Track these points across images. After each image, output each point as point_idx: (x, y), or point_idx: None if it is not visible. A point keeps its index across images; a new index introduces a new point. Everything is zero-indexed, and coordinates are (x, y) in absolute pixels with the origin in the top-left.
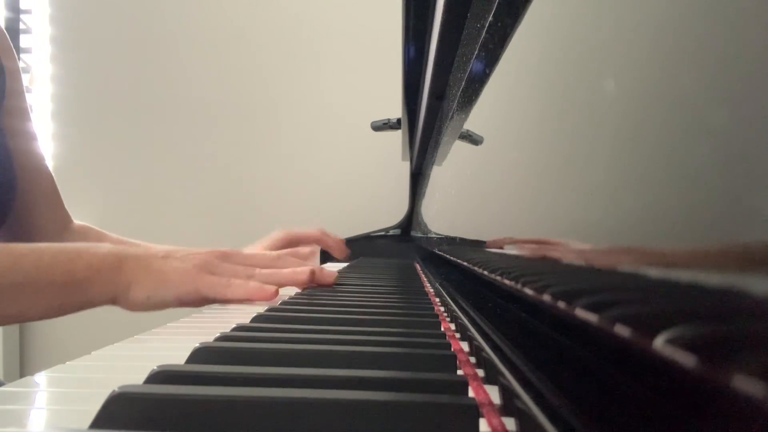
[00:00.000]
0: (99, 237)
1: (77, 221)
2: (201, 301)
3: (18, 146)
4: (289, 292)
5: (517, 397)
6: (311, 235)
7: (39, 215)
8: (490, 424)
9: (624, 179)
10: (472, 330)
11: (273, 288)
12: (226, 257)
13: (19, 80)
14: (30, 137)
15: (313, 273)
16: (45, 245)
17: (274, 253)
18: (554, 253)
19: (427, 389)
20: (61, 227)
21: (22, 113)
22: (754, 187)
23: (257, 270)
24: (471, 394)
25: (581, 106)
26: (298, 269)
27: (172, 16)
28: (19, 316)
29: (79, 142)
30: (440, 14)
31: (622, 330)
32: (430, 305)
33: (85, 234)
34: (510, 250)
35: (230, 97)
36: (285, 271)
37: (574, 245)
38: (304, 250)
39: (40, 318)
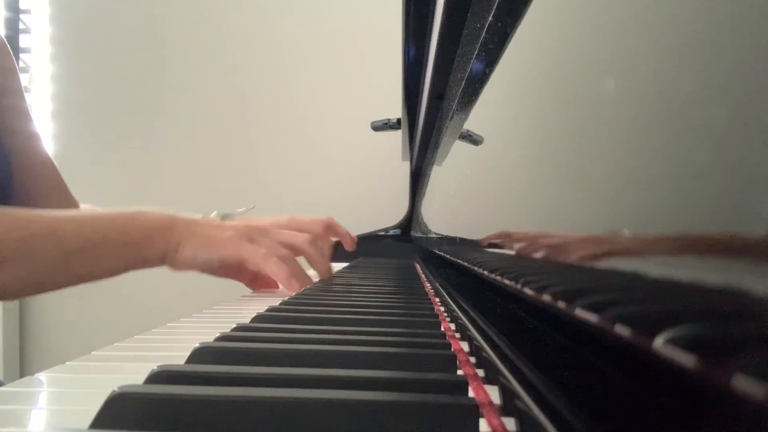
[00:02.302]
0: None
1: (85, 204)
2: (240, 266)
3: (16, 145)
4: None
5: (517, 397)
6: (321, 221)
7: (42, 205)
8: (490, 424)
9: (624, 179)
10: (472, 330)
11: (297, 286)
12: (265, 232)
13: (16, 79)
14: (30, 137)
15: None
16: (103, 211)
17: (305, 235)
18: (554, 253)
19: (427, 389)
20: None
21: (20, 112)
22: (754, 187)
23: (291, 256)
24: (471, 394)
25: (581, 106)
26: (294, 283)
27: (172, 16)
28: (86, 277)
29: (79, 142)
30: (440, 14)
31: (622, 330)
32: (430, 305)
33: None
34: (510, 250)
35: (230, 98)
36: (310, 273)
37: (574, 245)
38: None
39: (104, 277)
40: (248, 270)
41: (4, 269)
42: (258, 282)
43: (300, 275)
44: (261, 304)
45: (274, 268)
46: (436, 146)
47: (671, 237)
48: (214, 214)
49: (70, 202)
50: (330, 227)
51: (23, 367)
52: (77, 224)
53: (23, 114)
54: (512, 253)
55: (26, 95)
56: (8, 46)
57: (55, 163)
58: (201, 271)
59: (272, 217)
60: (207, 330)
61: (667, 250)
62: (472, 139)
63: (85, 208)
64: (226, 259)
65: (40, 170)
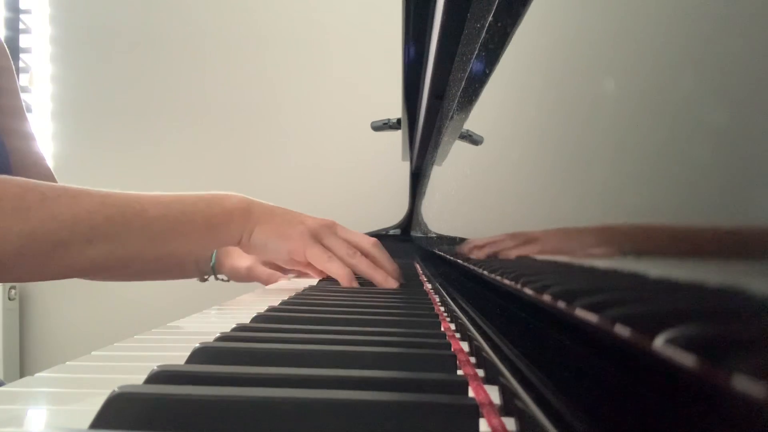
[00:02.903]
0: None
1: None
2: (303, 262)
3: (13, 145)
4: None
5: (517, 397)
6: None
7: None
8: (490, 424)
9: (624, 179)
10: (472, 330)
11: (357, 284)
12: (333, 227)
13: (13, 79)
14: (26, 136)
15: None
16: (184, 195)
17: (371, 239)
18: (554, 253)
19: (427, 389)
20: None
21: (17, 112)
22: (754, 187)
23: (357, 254)
24: (471, 394)
25: (581, 106)
26: (391, 280)
27: (171, 16)
28: (171, 256)
29: (79, 142)
30: (440, 14)
31: (622, 330)
32: (430, 305)
33: None
34: (510, 250)
35: (230, 98)
36: (380, 274)
37: (574, 245)
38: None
39: (186, 257)
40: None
41: (94, 246)
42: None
43: (369, 274)
44: (261, 304)
45: (336, 270)
46: (436, 146)
47: (671, 237)
48: None
49: None
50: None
51: (23, 367)
52: (163, 205)
53: (20, 114)
54: (512, 253)
55: (26, 95)
56: (5, 46)
57: (56, 162)
58: (271, 260)
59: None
60: (207, 330)
61: (667, 249)
62: (472, 139)
63: None
64: (293, 253)
65: (33, 171)
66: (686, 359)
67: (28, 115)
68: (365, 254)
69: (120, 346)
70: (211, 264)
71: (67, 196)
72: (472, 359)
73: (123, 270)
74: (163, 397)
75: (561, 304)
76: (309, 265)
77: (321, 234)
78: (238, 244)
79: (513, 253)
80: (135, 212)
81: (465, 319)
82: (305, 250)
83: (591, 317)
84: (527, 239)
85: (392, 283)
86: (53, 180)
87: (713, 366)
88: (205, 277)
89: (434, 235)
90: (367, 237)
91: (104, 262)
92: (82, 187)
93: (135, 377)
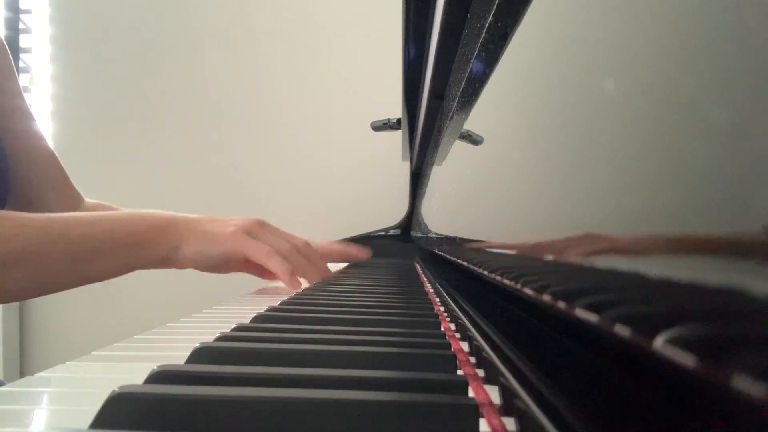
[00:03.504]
0: (111, 210)
1: (89, 199)
2: (242, 261)
3: (16, 142)
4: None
5: (517, 397)
6: (335, 249)
7: (48, 201)
8: (490, 424)
9: (624, 179)
10: (472, 330)
11: (299, 284)
12: (264, 225)
13: (14, 79)
14: (30, 133)
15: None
16: (111, 213)
17: (302, 239)
18: (554, 253)
19: (427, 389)
20: (73, 207)
21: (18, 110)
22: (754, 186)
23: (294, 251)
24: (471, 394)
25: (581, 106)
26: (323, 273)
27: (172, 16)
28: (94, 278)
29: (79, 142)
30: (440, 14)
31: (622, 330)
32: (430, 305)
33: (97, 210)
34: (510, 250)
35: (230, 97)
36: (314, 272)
37: (575, 245)
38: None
39: (109, 277)
40: (254, 263)
41: (12, 271)
42: (267, 272)
43: (305, 269)
44: (261, 304)
45: (276, 265)
46: (436, 146)
47: (671, 236)
48: None
49: (74, 196)
50: (343, 252)
51: (23, 367)
52: (83, 226)
53: (22, 113)
54: (512, 253)
55: (26, 95)
56: (6, 46)
57: None
58: (207, 269)
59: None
60: (207, 330)
61: (667, 249)
62: (472, 139)
63: (90, 203)
64: (230, 254)
65: (41, 165)
66: (686, 359)
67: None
68: (299, 252)
69: (120, 346)
70: None
71: None
72: (472, 359)
73: (45, 292)
74: (163, 397)
75: (561, 304)
76: (246, 264)
77: (254, 231)
78: (168, 260)
79: (513, 253)
80: (55, 234)
81: (465, 319)
82: (242, 247)
83: (591, 317)
84: (531, 240)
85: (296, 284)
86: (65, 177)
87: (713, 366)
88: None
89: (434, 235)
90: (299, 238)
91: (23, 287)
92: (3, 212)
93: (135, 377)
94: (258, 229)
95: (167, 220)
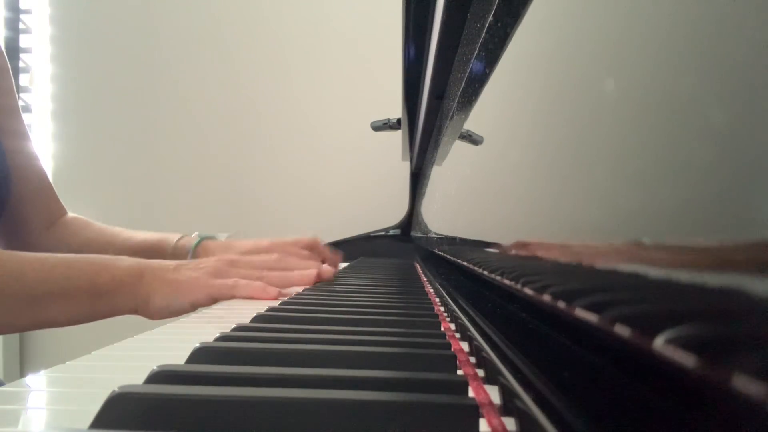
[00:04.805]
0: (87, 227)
1: (72, 213)
2: (213, 303)
3: (11, 144)
4: (289, 291)
5: (517, 397)
6: (304, 242)
7: (30, 209)
8: (490, 424)
9: (624, 179)
10: (472, 330)
11: (275, 290)
12: (234, 264)
13: (8, 79)
14: (20, 135)
15: (318, 274)
16: (73, 257)
17: (274, 256)
18: (554, 253)
19: (427, 389)
20: (53, 219)
21: (11, 111)
22: (754, 186)
23: (266, 273)
24: (471, 394)
25: (581, 106)
26: (305, 272)
27: (172, 16)
28: (50, 323)
29: (79, 142)
30: (440, 14)
31: (622, 330)
32: (430, 305)
33: (74, 225)
34: (510, 250)
35: (230, 97)
36: (294, 274)
37: (574, 245)
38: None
39: (69, 324)
40: None
41: None
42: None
43: (285, 281)
44: (261, 304)
45: (244, 291)
46: (436, 146)
47: (671, 236)
48: (194, 234)
49: (56, 208)
50: (314, 247)
51: (23, 367)
52: (45, 269)
53: (15, 114)
54: (512, 253)
55: (26, 95)
56: (1, 46)
57: (55, 163)
58: (179, 316)
59: (253, 241)
60: (207, 330)
61: (667, 249)
62: (472, 139)
63: (71, 216)
64: (198, 303)
65: (29, 171)
66: (686, 359)
67: (24, 115)
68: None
69: (120, 346)
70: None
71: None
72: (472, 359)
73: (2, 332)
74: (163, 397)
75: (561, 304)
76: (217, 302)
77: (221, 271)
78: (135, 311)
79: (513, 254)
80: (14, 275)
81: (465, 319)
82: (208, 292)
83: (591, 317)
84: (528, 241)
85: (307, 280)
86: (48, 185)
87: (713, 366)
88: None
89: (434, 235)
90: (270, 258)
91: None
92: None
93: (135, 377)
94: (226, 269)
95: (136, 270)
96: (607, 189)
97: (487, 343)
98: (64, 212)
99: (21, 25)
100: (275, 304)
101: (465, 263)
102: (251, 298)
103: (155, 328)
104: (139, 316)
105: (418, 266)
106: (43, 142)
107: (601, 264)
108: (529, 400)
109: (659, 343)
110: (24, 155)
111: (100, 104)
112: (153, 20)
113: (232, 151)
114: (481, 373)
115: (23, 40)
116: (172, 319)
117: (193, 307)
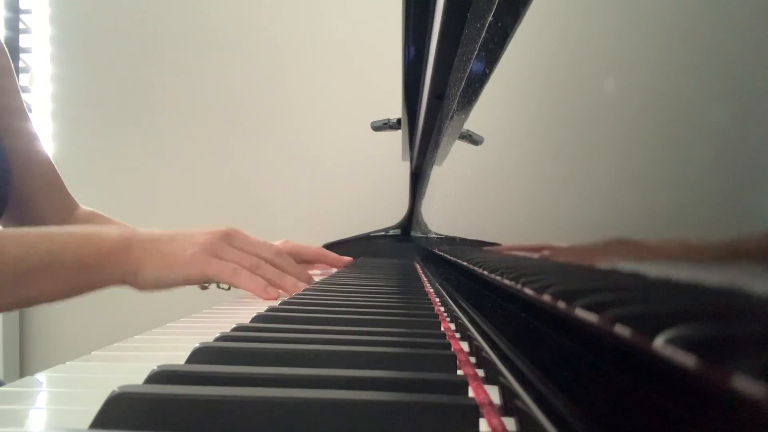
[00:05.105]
0: (105, 222)
1: (84, 207)
2: (206, 281)
3: (15, 143)
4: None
5: (517, 397)
6: (312, 251)
7: (41, 204)
8: (490, 424)
9: (624, 179)
10: (472, 330)
11: (277, 293)
12: (229, 238)
13: (12, 78)
14: (27, 134)
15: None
16: (56, 230)
17: (276, 245)
18: (554, 253)
19: (427, 389)
20: (66, 213)
21: (16, 110)
22: (754, 186)
23: (263, 264)
24: (471, 394)
25: (581, 106)
26: (300, 284)
27: (172, 16)
28: (37, 299)
29: (79, 142)
30: (440, 14)
31: (622, 330)
32: (430, 305)
33: (91, 220)
34: (510, 251)
35: (230, 97)
36: (290, 281)
37: (574, 245)
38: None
39: (56, 300)
40: None
41: None
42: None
43: (279, 282)
44: (261, 304)
45: (244, 283)
46: (436, 146)
47: (671, 236)
48: None
49: (67, 203)
50: (320, 259)
51: (23, 367)
52: (27, 245)
53: (20, 113)
54: (512, 253)
55: (26, 95)
56: (4, 45)
57: (56, 163)
58: (170, 289)
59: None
60: (207, 330)
61: (667, 249)
62: (472, 139)
63: (85, 211)
64: (192, 279)
65: (36, 170)
66: (686, 359)
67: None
68: (269, 263)
69: (120, 346)
70: None
71: None
72: (472, 359)
73: None
74: (163, 397)
75: (561, 304)
76: (211, 282)
77: (217, 248)
78: (123, 282)
79: (513, 253)
80: None
81: (465, 319)
82: (204, 270)
83: (591, 317)
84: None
85: (302, 287)
86: (59, 182)
87: (713, 366)
88: (205, 285)
89: (434, 235)
90: (269, 244)
91: None
92: None
93: (135, 377)
94: (222, 245)
95: (123, 240)
96: (607, 189)
97: (487, 343)
98: (76, 205)
99: (21, 25)
100: (275, 303)
101: (465, 263)
102: (249, 292)
103: (155, 328)
104: (139, 318)
105: (418, 266)
106: (42, 142)
107: (601, 264)
108: (529, 400)
109: (659, 343)
110: (32, 153)
111: (100, 104)
112: (153, 21)
113: (232, 151)
114: (481, 373)
115: (23, 40)
116: (171, 318)
117: (186, 282)
